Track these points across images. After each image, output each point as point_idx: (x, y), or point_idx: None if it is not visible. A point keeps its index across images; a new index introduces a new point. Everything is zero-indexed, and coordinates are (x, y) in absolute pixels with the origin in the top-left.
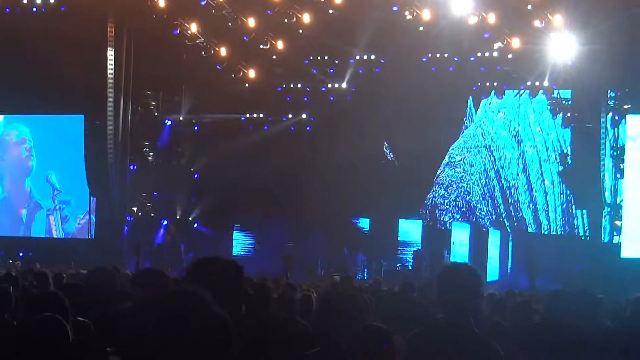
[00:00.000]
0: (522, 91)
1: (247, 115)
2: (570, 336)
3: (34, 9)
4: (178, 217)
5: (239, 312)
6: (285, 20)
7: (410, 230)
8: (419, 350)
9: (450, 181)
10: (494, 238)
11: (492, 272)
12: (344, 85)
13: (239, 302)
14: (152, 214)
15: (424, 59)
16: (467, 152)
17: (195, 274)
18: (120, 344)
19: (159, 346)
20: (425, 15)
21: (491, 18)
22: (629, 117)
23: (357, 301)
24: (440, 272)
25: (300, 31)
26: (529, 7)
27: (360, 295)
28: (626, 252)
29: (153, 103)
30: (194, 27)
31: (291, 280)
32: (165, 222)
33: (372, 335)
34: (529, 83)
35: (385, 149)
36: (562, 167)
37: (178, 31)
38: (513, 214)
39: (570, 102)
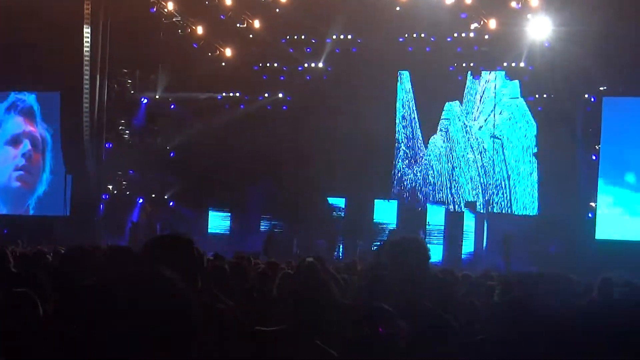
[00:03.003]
0: (497, 72)
1: (224, 94)
2: (541, 317)
3: None
4: (154, 196)
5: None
6: None
7: (386, 210)
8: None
9: (426, 161)
10: (469, 219)
11: (467, 252)
12: (320, 64)
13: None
14: (128, 192)
15: (401, 39)
16: (444, 132)
17: (149, 251)
18: (83, 320)
19: (118, 325)
20: None
21: None
22: (605, 99)
23: (329, 288)
24: (388, 245)
25: (277, 10)
26: None
27: (333, 279)
28: (601, 234)
29: (129, 81)
30: (170, 5)
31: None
32: (141, 201)
33: (369, 318)
34: (505, 64)
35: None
36: (537, 149)
37: (155, 9)
38: (488, 195)
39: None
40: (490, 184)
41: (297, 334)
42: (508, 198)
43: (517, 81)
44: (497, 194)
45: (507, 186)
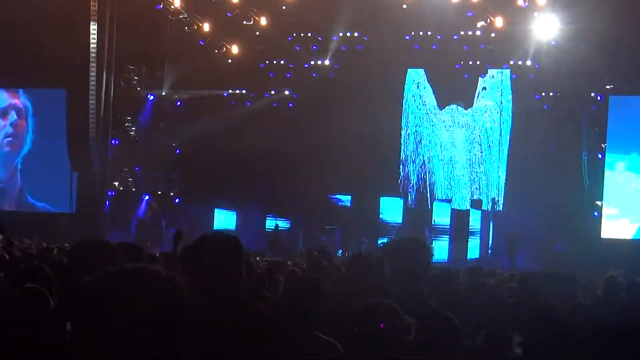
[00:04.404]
0: (504, 70)
1: (230, 91)
2: (545, 313)
3: None
4: (159, 193)
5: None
6: None
7: (392, 208)
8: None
9: (432, 159)
10: (475, 217)
11: (473, 250)
12: (326, 62)
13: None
14: (134, 189)
15: (407, 37)
16: (450, 129)
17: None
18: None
19: (108, 324)
20: None
21: None
22: (611, 97)
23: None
24: (391, 246)
25: (284, 7)
26: None
27: (337, 271)
28: (606, 233)
29: (135, 78)
30: (177, 2)
31: (271, 256)
32: (147, 198)
33: (370, 313)
34: (511, 62)
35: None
36: (543, 147)
37: (161, 6)
38: (494, 193)
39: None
40: (495, 182)
41: (293, 332)
42: (512, 195)
43: (521, 80)
44: (502, 192)
45: (511, 184)
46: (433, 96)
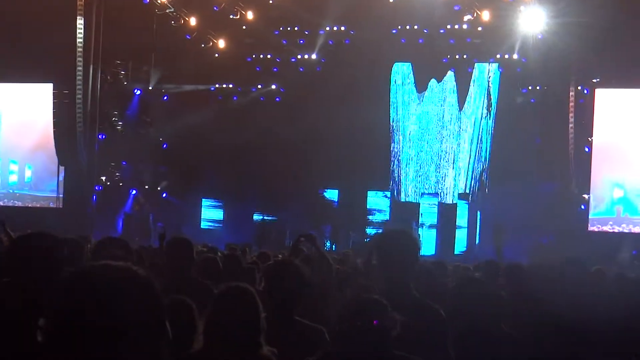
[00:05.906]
0: (491, 64)
1: (217, 86)
2: (536, 307)
3: None
4: (146, 187)
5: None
6: None
7: (379, 202)
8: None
9: (419, 153)
10: (462, 210)
11: (460, 244)
12: (313, 56)
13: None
14: (121, 184)
15: (394, 31)
16: (438, 123)
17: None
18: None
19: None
20: None
21: None
22: (597, 90)
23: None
24: (378, 237)
25: (270, 1)
26: None
27: (324, 259)
28: (593, 226)
29: (122, 72)
30: None
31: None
32: (134, 192)
33: (361, 309)
34: (498, 56)
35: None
36: (530, 140)
37: (148, 0)
38: (481, 186)
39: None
40: (481, 176)
41: (275, 319)
42: (499, 189)
43: (508, 73)
44: (489, 186)
45: (498, 177)
46: (418, 91)
